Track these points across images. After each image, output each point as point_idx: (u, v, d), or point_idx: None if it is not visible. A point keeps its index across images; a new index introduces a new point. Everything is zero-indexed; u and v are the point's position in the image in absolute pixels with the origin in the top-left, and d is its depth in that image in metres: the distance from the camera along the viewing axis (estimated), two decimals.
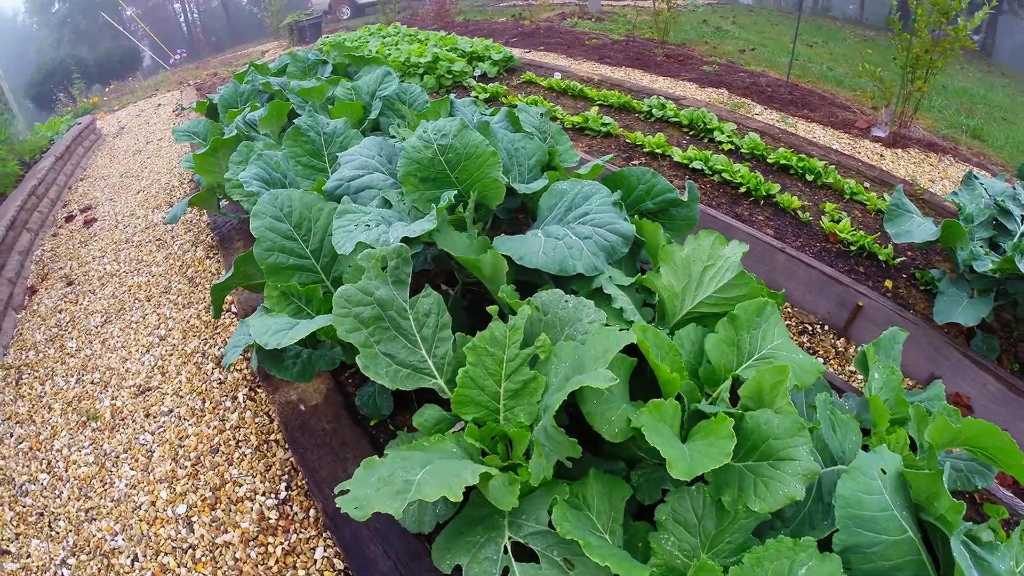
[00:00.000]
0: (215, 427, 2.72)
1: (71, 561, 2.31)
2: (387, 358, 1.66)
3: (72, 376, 3.29)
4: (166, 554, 2.25)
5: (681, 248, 2.06)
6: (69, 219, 5.29)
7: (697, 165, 4.04)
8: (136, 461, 2.67)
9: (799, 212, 3.76)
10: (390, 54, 6.86)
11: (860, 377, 3.00)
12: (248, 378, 2.96)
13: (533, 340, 1.79)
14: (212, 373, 3.04)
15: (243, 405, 2.79)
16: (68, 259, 4.55)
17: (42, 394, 3.22)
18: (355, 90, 4.05)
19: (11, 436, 2.99)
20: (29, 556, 2.37)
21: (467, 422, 1.72)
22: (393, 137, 2.98)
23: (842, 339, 3.26)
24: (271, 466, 2.49)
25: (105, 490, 2.59)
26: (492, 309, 1.73)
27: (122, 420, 2.90)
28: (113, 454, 2.74)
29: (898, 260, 3.47)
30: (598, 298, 1.99)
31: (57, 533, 2.47)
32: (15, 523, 2.55)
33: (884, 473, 1.50)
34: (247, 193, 2.48)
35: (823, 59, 9.28)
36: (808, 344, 3.25)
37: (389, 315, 1.68)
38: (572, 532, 1.41)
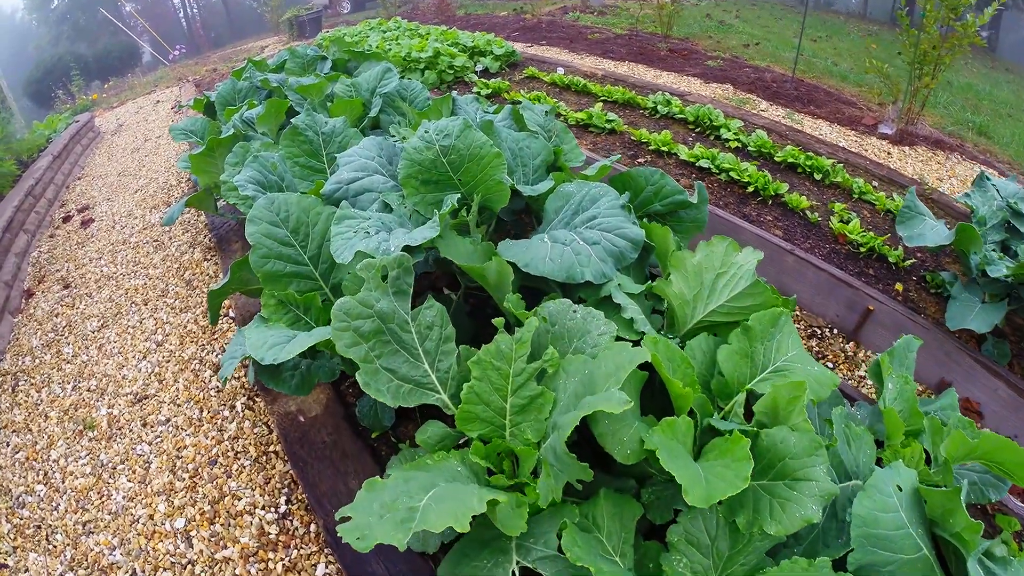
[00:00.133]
0: (213, 438, 2.65)
1: None
2: (388, 373, 1.59)
3: (68, 383, 3.23)
4: (165, 570, 2.20)
5: (692, 254, 1.98)
6: (66, 219, 5.22)
7: (704, 163, 3.96)
8: (133, 472, 2.61)
9: (808, 212, 3.68)
10: (390, 49, 6.76)
11: (870, 383, 2.94)
12: (246, 386, 2.90)
13: (540, 352, 1.72)
14: (210, 381, 2.97)
15: (241, 415, 2.73)
16: (65, 261, 4.49)
17: (38, 402, 3.16)
18: (355, 87, 3.97)
19: (7, 445, 2.93)
20: (27, 570, 2.32)
21: (472, 439, 1.66)
22: (393, 137, 2.90)
23: (851, 343, 3.18)
24: (271, 479, 2.43)
25: (102, 502, 2.54)
26: (498, 321, 1.66)
27: (119, 430, 2.85)
28: (110, 465, 2.69)
29: (908, 262, 3.40)
30: (607, 306, 1.92)
31: (55, 547, 2.41)
32: (12, 536, 2.49)
33: (900, 490, 1.47)
34: (243, 197, 2.40)
35: (827, 54, 9.16)
36: (817, 348, 3.18)
37: (390, 328, 1.61)
38: (583, 558, 1.35)
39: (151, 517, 2.42)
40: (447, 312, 2.35)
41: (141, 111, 8.59)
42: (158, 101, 8.90)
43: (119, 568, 2.24)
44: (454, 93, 3.29)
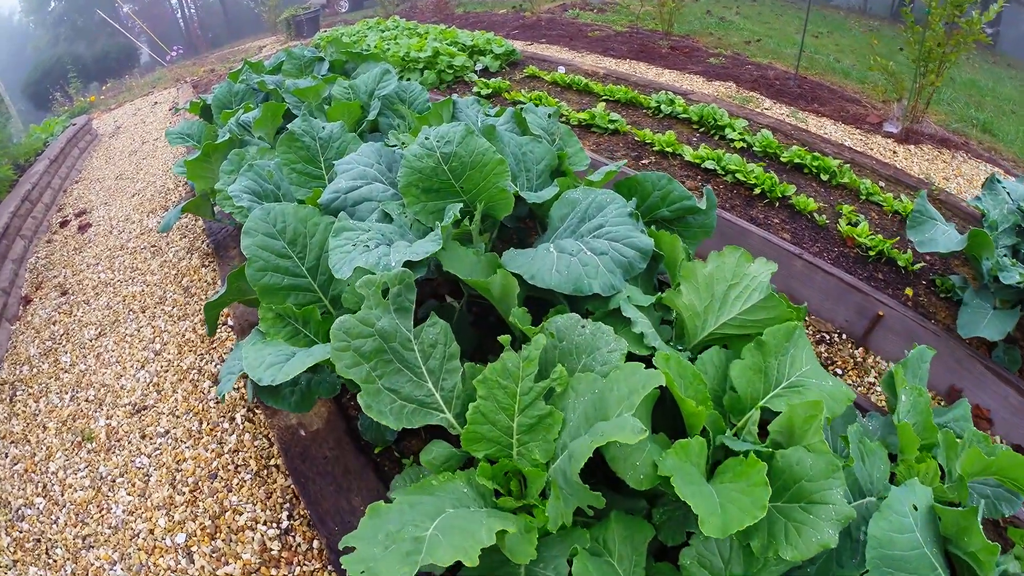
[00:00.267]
0: (213, 450, 2.61)
1: None
2: (391, 393, 1.54)
3: (67, 393, 3.18)
4: None
5: (703, 264, 1.93)
6: (64, 224, 5.17)
7: (709, 165, 3.90)
8: (133, 486, 2.57)
9: (816, 215, 3.62)
10: (389, 49, 6.69)
11: (879, 390, 2.89)
12: (246, 398, 2.85)
13: (547, 368, 1.67)
14: (209, 392, 2.92)
15: (241, 427, 2.68)
16: (62, 267, 4.44)
17: (36, 412, 3.11)
18: (353, 89, 3.91)
19: (6, 456, 2.89)
20: None
21: (479, 459, 1.61)
22: (393, 145, 2.84)
23: (860, 349, 3.14)
24: (272, 493, 2.38)
25: (102, 516, 2.49)
26: (504, 339, 1.61)
27: (118, 441, 2.80)
28: (109, 477, 2.64)
29: (917, 266, 3.35)
30: (615, 320, 1.87)
31: (55, 561, 2.37)
32: (12, 549, 2.46)
33: (915, 509, 1.44)
34: (238, 207, 2.34)
35: (829, 50, 9.07)
36: (826, 354, 3.13)
37: (392, 347, 1.56)
38: None
39: (151, 532, 2.37)
40: (451, 323, 2.32)
41: (139, 113, 8.52)
42: (156, 103, 8.84)
43: None
44: (455, 96, 3.22)
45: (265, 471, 2.47)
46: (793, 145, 4.37)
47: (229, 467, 2.52)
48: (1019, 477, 1.67)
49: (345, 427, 2.29)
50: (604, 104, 5.08)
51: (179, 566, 2.23)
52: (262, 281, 1.97)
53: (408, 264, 1.70)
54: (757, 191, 3.74)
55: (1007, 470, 1.67)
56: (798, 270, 3.22)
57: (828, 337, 3.21)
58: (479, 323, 2.64)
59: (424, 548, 1.18)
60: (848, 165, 4.18)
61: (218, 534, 2.29)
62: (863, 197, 3.90)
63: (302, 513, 2.28)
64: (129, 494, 2.54)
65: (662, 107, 4.88)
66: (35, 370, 3.41)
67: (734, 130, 4.43)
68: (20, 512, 2.61)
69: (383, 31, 8.16)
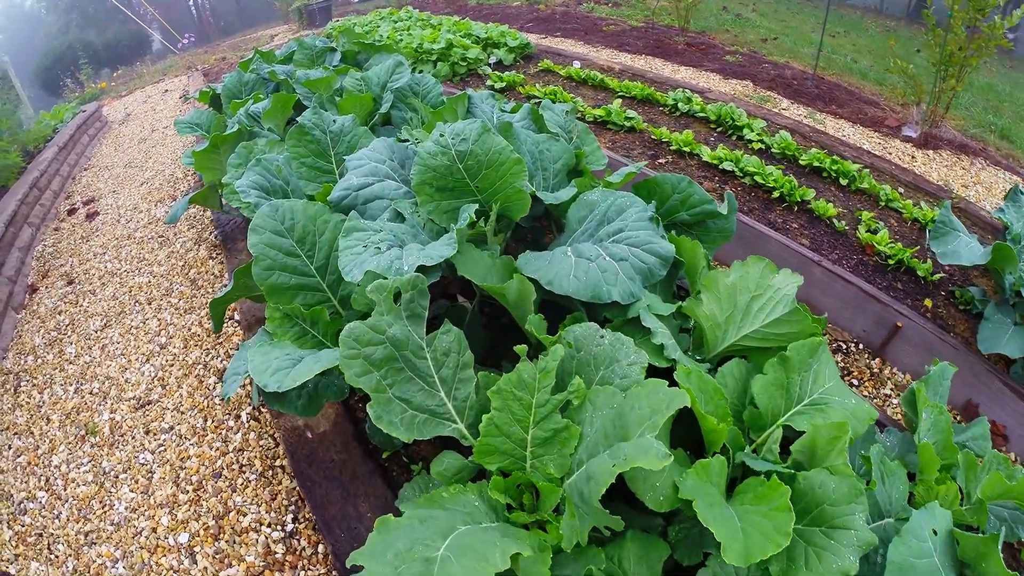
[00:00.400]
0: (217, 449, 2.56)
1: None
2: (402, 403, 1.48)
3: (71, 385, 3.15)
4: None
5: (726, 274, 1.86)
6: (71, 212, 5.14)
7: (728, 166, 3.81)
8: (136, 482, 2.53)
9: (835, 221, 3.53)
10: (401, 39, 6.61)
11: (895, 402, 2.83)
12: (251, 395, 2.80)
13: (563, 378, 1.61)
14: (214, 388, 2.88)
15: (247, 426, 2.64)
16: (69, 256, 4.41)
17: (40, 403, 3.08)
18: (365, 81, 3.84)
19: (9, 448, 2.86)
20: None
21: (491, 472, 1.55)
22: (406, 140, 2.78)
23: (877, 359, 3.06)
24: (277, 495, 2.33)
25: (105, 512, 2.46)
26: (520, 349, 1.55)
27: (121, 436, 2.76)
28: (112, 473, 2.61)
29: (937, 276, 3.27)
30: (634, 329, 1.80)
31: (56, 557, 2.34)
32: (14, 543, 2.43)
33: (935, 534, 1.43)
34: (245, 203, 2.29)
35: (846, 50, 8.91)
36: (842, 364, 3.06)
37: (404, 355, 1.50)
38: None
39: (154, 530, 2.34)
40: (462, 325, 2.25)
41: (149, 100, 8.48)
42: (166, 90, 8.79)
43: None
44: (470, 91, 3.15)
45: (270, 472, 2.43)
46: (812, 148, 4.27)
47: (234, 466, 2.48)
48: None
49: (353, 430, 2.24)
50: (620, 101, 4.98)
51: (182, 566, 2.19)
52: (269, 280, 1.92)
53: (421, 269, 1.64)
54: (776, 194, 3.65)
55: None
56: (817, 277, 3.14)
57: (845, 347, 3.13)
58: (492, 324, 2.58)
59: (435, 570, 1.13)
60: (867, 170, 4.09)
61: (222, 535, 2.25)
62: (882, 203, 3.81)
63: (308, 516, 2.23)
64: (132, 491, 2.51)
65: (679, 105, 4.78)
66: (40, 360, 3.38)
67: (752, 131, 4.33)
68: (23, 505, 2.58)
69: (396, 21, 8.07)
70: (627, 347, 1.54)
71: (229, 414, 2.72)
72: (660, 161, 4.12)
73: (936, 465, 1.72)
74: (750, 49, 7.70)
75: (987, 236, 3.72)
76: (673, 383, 1.60)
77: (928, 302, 3.16)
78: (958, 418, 2.85)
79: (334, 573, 2.05)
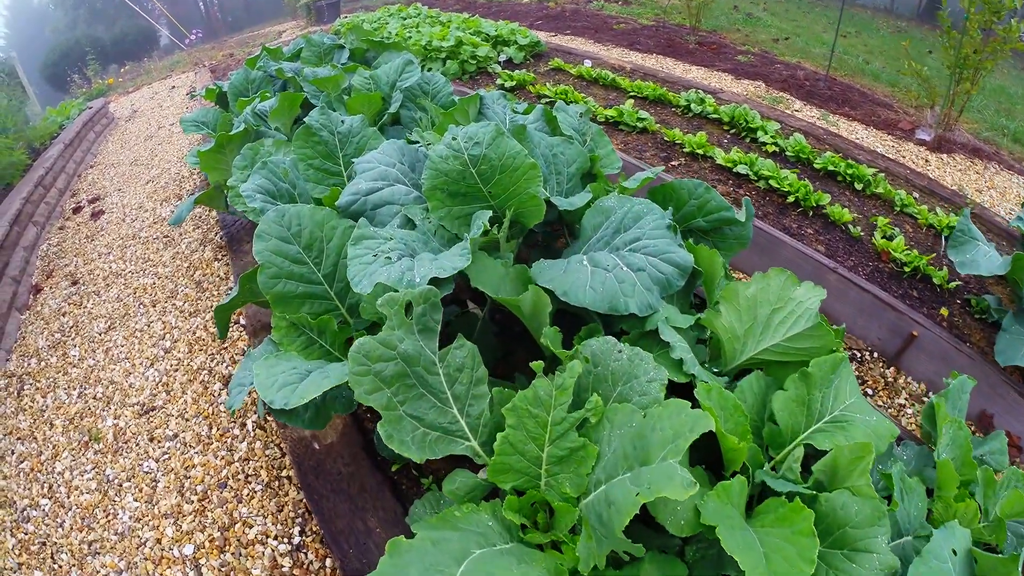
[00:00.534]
0: (223, 458, 2.52)
1: None
2: (414, 421, 1.42)
3: (74, 389, 3.11)
4: None
5: (746, 285, 1.80)
6: (77, 210, 5.11)
7: (742, 169, 3.73)
8: (140, 491, 2.49)
9: (850, 226, 3.46)
10: (410, 37, 6.55)
11: (909, 412, 2.77)
12: (257, 405, 2.76)
13: (579, 394, 1.55)
14: (219, 395, 2.83)
15: (252, 434, 2.59)
16: (74, 255, 4.37)
17: (43, 408, 3.04)
18: (374, 79, 3.78)
19: (12, 454, 2.83)
20: None
21: (505, 491, 1.49)
22: (416, 142, 2.71)
23: (892, 368, 3.00)
24: (283, 506, 2.28)
25: (108, 521, 2.42)
26: (536, 365, 1.49)
27: (125, 443, 2.72)
28: (116, 481, 2.57)
29: (953, 284, 3.19)
30: (652, 342, 1.74)
31: (60, 567, 2.30)
32: (17, 551, 2.39)
33: (955, 554, 1.39)
34: (250, 207, 2.23)
35: (858, 51, 8.80)
36: (857, 372, 2.99)
37: (415, 371, 1.44)
38: None
39: (158, 541, 2.29)
40: (473, 334, 2.19)
41: (156, 97, 8.45)
42: (173, 87, 8.76)
43: None
44: (481, 91, 3.08)
45: (276, 482, 2.38)
46: (826, 151, 4.19)
47: (239, 476, 2.43)
48: None
49: (361, 441, 2.18)
50: (632, 101, 4.91)
51: None
52: (275, 289, 1.86)
53: (434, 280, 1.58)
54: (791, 199, 3.57)
55: None
56: (832, 285, 3.07)
57: (860, 355, 3.06)
58: (503, 332, 2.52)
59: None
60: (882, 174, 4.01)
61: (227, 547, 2.20)
62: (897, 208, 3.74)
63: (315, 529, 2.18)
64: (136, 500, 2.46)
65: (692, 106, 4.70)
66: (43, 363, 3.35)
67: (766, 133, 4.26)
68: (25, 513, 2.54)
69: (405, 18, 8.00)
70: (646, 363, 1.48)
71: (234, 422, 2.67)
72: (673, 163, 4.05)
73: (955, 482, 1.69)
74: (762, 49, 7.61)
75: (1002, 243, 3.65)
76: (691, 398, 1.55)
77: (944, 311, 3.10)
78: (973, 429, 2.80)
79: None
